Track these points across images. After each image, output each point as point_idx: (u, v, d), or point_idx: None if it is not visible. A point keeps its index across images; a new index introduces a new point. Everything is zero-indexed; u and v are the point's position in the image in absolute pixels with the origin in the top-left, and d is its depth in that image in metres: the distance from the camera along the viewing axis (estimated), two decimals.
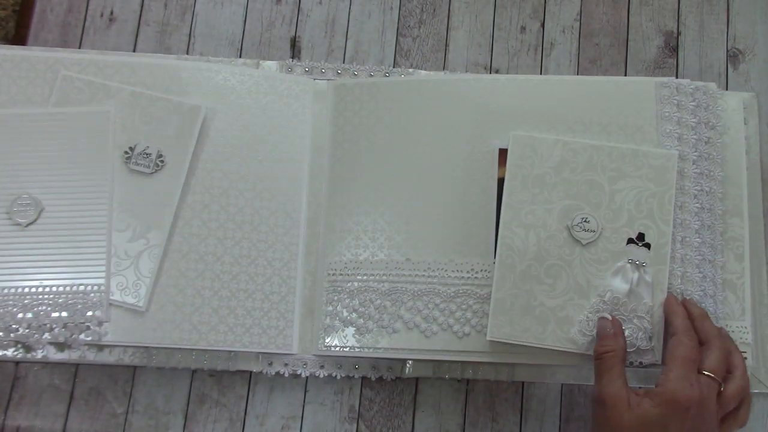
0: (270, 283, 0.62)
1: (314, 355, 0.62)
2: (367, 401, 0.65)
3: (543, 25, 0.73)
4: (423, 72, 0.69)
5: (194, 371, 0.64)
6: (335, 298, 0.62)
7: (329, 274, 0.63)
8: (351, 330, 0.62)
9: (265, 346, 0.61)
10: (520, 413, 0.65)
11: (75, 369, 0.63)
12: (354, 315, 0.62)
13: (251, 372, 0.64)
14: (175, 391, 0.64)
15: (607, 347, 0.53)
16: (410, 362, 0.63)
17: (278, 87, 0.66)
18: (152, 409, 0.63)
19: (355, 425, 0.64)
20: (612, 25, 0.73)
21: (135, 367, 0.64)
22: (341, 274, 0.63)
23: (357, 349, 0.61)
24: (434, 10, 0.72)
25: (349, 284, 0.62)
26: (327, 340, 0.62)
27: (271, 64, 0.68)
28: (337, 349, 0.62)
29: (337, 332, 0.62)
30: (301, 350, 0.62)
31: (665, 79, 0.64)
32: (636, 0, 0.73)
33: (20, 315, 0.58)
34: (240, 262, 0.62)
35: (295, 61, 0.69)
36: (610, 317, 0.56)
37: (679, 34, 0.73)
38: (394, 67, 0.71)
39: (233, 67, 0.66)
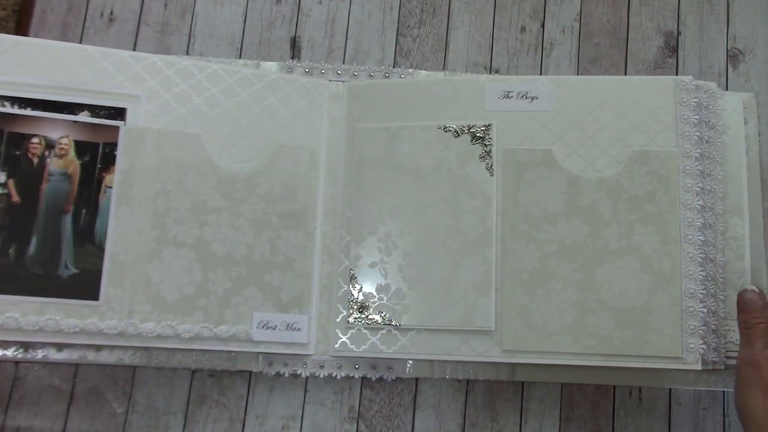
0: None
1: (330, 356, 0.63)
2: (367, 401, 0.65)
3: (543, 25, 0.73)
4: (423, 72, 0.69)
5: (194, 371, 0.64)
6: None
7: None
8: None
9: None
10: (520, 413, 0.65)
11: (75, 369, 0.63)
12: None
13: (251, 372, 0.64)
14: (175, 391, 0.64)
15: (759, 319, 0.57)
16: (410, 362, 0.63)
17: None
18: (152, 409, 0.63)
19: (355, 425, 0.64)
20: (612, 25, 0.73)
21: (135, 367, 0.64)
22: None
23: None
24: (434, 10, 0.72)
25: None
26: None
27: (271, 65, 0.68)
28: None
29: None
30: (319, 352, 0.63)
31: (685, 78, 0.64)
32: (636, 0, 0.73)
33: None
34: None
35: (294, 62, 0.69)
36: (756, 289, 0.59)
37: (679, 34, 0.73)
38: (394, 67, 0.71)
39: (249, 69, 0.66)
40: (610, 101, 0.64)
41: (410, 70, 0.69)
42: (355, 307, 0.63)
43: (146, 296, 0.60)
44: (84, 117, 0.61)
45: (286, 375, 0.63)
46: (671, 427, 0.65)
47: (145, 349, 0.62)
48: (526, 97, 0.65)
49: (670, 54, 0.72)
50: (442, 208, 0.64)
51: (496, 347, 0.61)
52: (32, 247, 0.59)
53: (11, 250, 0.58)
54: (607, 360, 0.60)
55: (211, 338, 0.60)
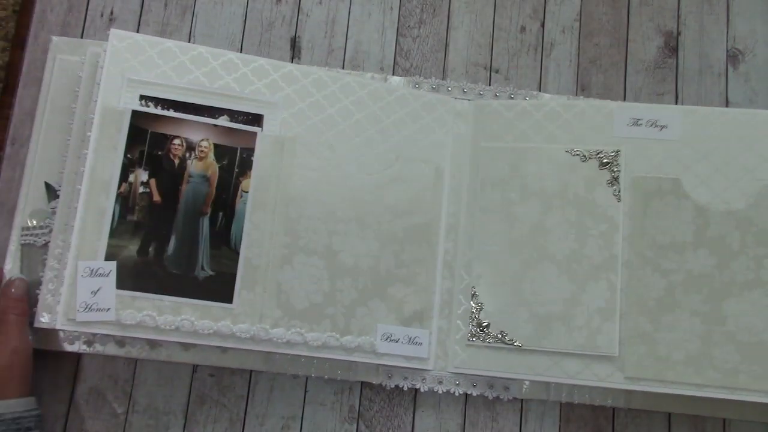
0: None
1: (449, 372, 0.63)
2: (367, 401, 0.65)
3: (543, 25, 0.73)
4: (546, 95, 0.70)
5: (194, 372, 0.64)
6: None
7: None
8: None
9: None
10: (520, 413, 0.65)
11: (75, 369, 0.63)
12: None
13: (251, 372, 0.64)
14: (175, 391, 0.64)
15: None
16: (527, 383, 0.63)
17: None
18: (152, 409, 0.63)
19: (355, 425, 0.64)
20: (612, 25, 0.73)
21: (135, 368, 0.64)
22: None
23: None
24: (434, 10, 0.73)
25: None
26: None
27: (398, 80, 0.69)
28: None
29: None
30: (437, 367, 0.63)
31: None
32: (636, 0, 0.73)
33: None
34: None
35: (421, 77, 0.70)
36: None
37: (679, 34, 0.73)
38: (394, 66, 0.71)
39: (378, 82, 0.67)
40: (739, 133, 0.64)
41: (534, 92, 0.70)
42: (475, 324, 0.63)
43: (277, 302, 0.60)
44: (224, 121, 0.62)
45: (405, 389, 0.63)
46: (671, 427, 0.65)
47: (267, 353, 0.62)
48: (655, 126, 0.65)
49: (670, 54, 0.72)
50: (567, 231, 0.64)
51: (618, 373, 0.61)
52: (171, 247, 0.59)
53: (151, 249, 0.59)
54: (731, 393, 0.60)
55: (338, 348, 0.61)
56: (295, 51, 0.71)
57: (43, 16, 0.69)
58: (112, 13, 0.70)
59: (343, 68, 0.70)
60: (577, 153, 0.65)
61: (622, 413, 0.65)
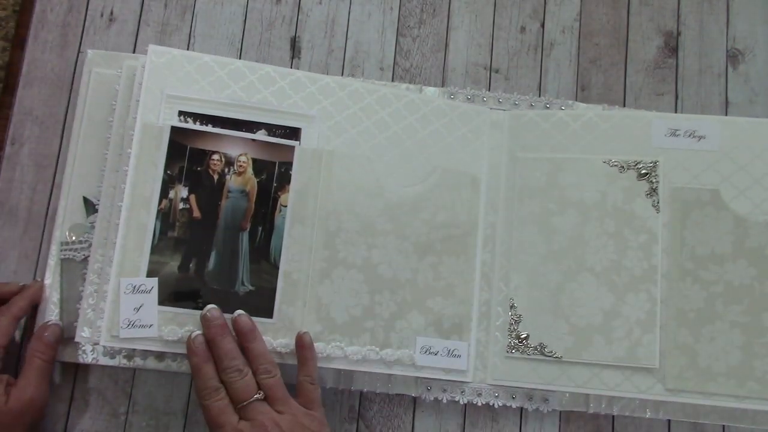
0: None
1: (488, 384, 0.63)
2: (367, 401, 0.65)
3: (543, 25, 0.73)
4: (582, 105, 0.69)
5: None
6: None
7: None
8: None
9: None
10: (520, 413, 0.65)
11: (75, 369, 0.63)
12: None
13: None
14: (175, 391, 0.64)
15: None
16: (567, 395, 0.63)
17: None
18: (152, 409, 0.63)
19: (355, 425, 0.64)
20: (612, 25, 0.73)
21: (135, 368, 0.63)
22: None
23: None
24: (434, 10, 0.72)
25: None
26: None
27: (432, 90, 0.69)
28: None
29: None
30: (476, 379, 0.63)
31: None
32: (636, 0, 0.73)
33: None
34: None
35: (456, 88, 0.69)
36: None
37: (679, 34, 0.72)
38: (394, 66, 0.70)
39: (414, 93, 0.67)
40: None
41: (570, 102, 0.69)
42: (514, 336, 0.63)
43: (317, 316, 0.60)
44: (262, 135, 0.62)
45: (444, 401, 0.63)
46: (671, 428, 0.65)
47: None
48: (693, 136, 0.65)
49: (670, 54, 0.72)
50: (606, 243, 0.64)
51: (659, 385, 0.61)
52: (211, 263, 0.59)
53: (192, 265, 0.59)
54: None
55: (377, 361, 0.61)
56: (295, 51, 0.70)
57: (43, 16, 0.69)
58: (112, 13, 0.69)
59: (343, 68, 0.70)
60: (615, 164, 0.65)
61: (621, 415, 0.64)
